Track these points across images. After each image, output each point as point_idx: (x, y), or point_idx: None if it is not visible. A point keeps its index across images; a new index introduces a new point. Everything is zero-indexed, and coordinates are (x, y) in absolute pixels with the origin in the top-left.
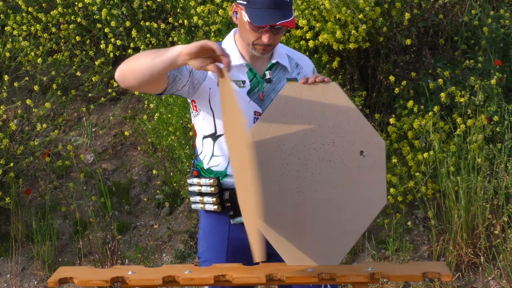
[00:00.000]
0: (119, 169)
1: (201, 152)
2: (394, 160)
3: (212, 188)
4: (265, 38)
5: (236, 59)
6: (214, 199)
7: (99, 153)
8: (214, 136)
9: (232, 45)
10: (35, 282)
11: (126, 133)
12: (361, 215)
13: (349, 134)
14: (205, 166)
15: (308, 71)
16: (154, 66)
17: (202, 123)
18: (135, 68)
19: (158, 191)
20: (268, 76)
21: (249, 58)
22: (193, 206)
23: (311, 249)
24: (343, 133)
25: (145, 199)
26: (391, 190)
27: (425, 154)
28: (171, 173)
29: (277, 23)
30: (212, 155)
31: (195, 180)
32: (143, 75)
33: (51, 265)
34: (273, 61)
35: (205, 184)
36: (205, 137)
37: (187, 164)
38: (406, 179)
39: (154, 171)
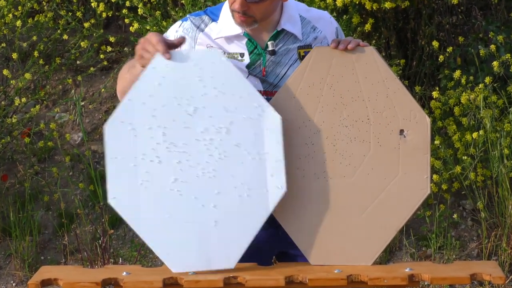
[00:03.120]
0: None
1: None
2: (438, 141)
3: None
4: (235, 4)
5: (232, 28)
6: None
7: (88, 133)
8: None
9: (229, 13)
10: (13, 284)
11: None
12: (399, 206)
13: (387, 110)
14: None
15: (328, 33)
16: (133, 77)
17: None
18: (126, 92)
19: None
20: (270, 47)
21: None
22: None
23: (339, 246)
24: (380, 108)
25: None
26: (434, 176)
27: (475, 134)
28: None
29: None
30: None
31: None
32: None
33: (31, 264)
34: (278, 29)
35: None
36: None
37: None
38: (451, 164)
39: None
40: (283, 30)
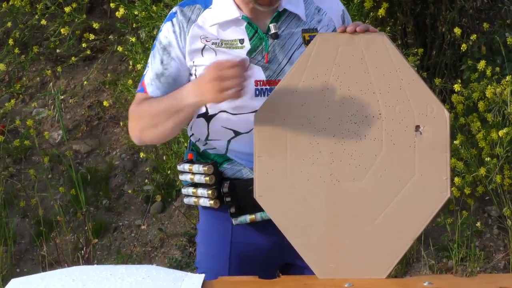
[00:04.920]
0: (95, 151)
1: (193, 135)
2: (458, 140)
3: (207, 178)
4: None
5: (230, 12)
6: (210, 191)
7: (69, 130)
8: (207, 117)
9: None
10: None
11: (105, 103)
12: (416, 212)
13: (400, 103)
14: (201, 148)
15: (334, 15)
16: (180, 123)
17: None
18: (158, 134)
19: (146, 181)
20: (273, 30)
21: (249, 10)
22: (186, 200)
23: (349, 258)
24: (393, 101)
25: (129, 191)
26: (456, 179)
27: (501, 132)
28: (164, 157)
29: None
30: (207, 138)
31: (187, 167)
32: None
33: (6, 277)
34: (279, 9)
35: (198, 171)
36: (198, 116)
37: (185, 145)
38: (475, 166)
39: (141, 154)
40: (285, 10)
